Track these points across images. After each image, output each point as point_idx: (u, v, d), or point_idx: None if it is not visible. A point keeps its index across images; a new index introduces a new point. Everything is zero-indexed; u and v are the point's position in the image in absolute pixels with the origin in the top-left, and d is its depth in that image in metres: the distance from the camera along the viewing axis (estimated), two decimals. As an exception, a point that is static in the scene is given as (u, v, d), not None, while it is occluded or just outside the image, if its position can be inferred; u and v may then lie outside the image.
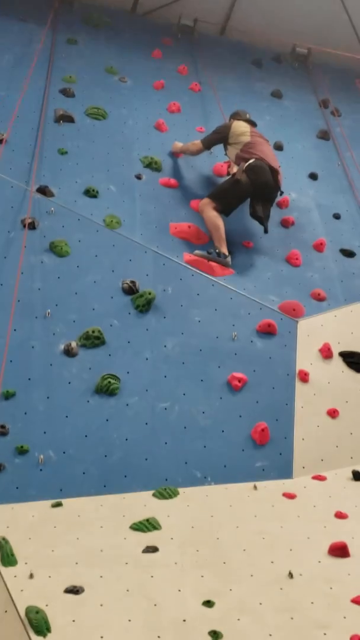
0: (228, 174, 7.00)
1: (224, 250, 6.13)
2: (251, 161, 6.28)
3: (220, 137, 6.73)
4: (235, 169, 6.53)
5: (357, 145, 8.27)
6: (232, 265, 6.16)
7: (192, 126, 7.61)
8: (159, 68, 8.24)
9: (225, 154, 6.83)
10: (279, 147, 7.54)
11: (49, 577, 3.75)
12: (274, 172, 6.35)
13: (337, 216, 7.15)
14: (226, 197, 6.27)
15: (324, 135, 8.28)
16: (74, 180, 6.42)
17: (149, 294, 5.61)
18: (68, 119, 6.99)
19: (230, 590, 3.73)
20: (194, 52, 8.74)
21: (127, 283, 5.68)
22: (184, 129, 7.53)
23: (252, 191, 6.24)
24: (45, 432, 4.78)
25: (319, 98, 8.82)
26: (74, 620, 3.46)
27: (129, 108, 7.50)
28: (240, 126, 6.66)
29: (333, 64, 9.24)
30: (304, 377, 5.51)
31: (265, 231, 6.36)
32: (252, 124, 6.88)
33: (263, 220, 6.26)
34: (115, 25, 8.60)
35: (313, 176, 7.55)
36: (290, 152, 7.71)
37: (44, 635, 3.38)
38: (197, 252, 6.12)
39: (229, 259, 6.11)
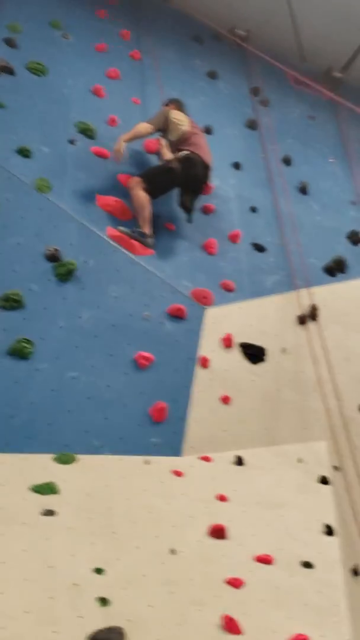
0: (158, 151, 7.20)
1: (147, 230, 6.36)
2: (187, 153, 6.53)
3: (162, 121, 6.83)
4: (167, 151, 6.72)
5: (281, 139, 8.64)
6: (153, 246, 6.41)
7: (128, 95, 7.71)
8: (103, 29, 8.22)
9: (163, 137, 6.96)
10: (208, 131, 7.76)
11: None
12: (206, 167, 6.62)
13: (253, 209, 7.50)
14: (157, 181, 6.48)
15: (252, 125, 8.57)
16: (9, 137, 6.40)
17: (71, 264, 5.79)
18: (8, 70, 6.91)
19: (118, 559, 4.13)
20: (137, 17, 8.73)
21: (50, 250, 5.83)
22: (120, 96, 7.61)
23: (182, 182, 6.50)
24: None
25: (250, 85, 9.09)
26: (-28, 575, 3.75)
27: (70, 67, 7.48)
28: (179, 114, 6.87)
29: (269, 52, 9.48)
30: (204, 362, 5.92)
31: (189, 221, 6.65)
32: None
33: (190, 211, 6.53)
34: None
35: (237, 165, 7.84)
36: (218, 137, 7.94)
37: None
38: (121, 228, 6.31)
39: (150, 240, 6.36)
